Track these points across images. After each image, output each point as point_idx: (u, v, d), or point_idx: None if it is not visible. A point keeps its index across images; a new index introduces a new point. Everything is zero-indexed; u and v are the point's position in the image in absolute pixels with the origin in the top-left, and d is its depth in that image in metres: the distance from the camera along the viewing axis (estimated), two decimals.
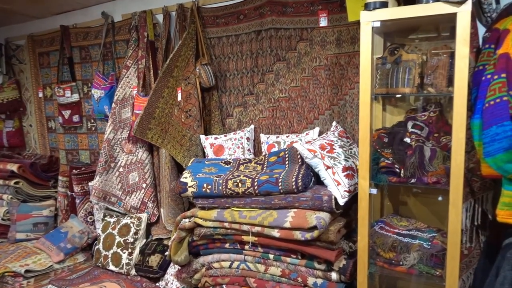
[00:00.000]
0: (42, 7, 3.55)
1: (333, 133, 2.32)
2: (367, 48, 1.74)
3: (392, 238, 1.93)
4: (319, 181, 2.17)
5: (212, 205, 2.29)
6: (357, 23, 1.90)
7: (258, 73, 2.75)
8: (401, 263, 1.85)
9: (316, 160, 2.08)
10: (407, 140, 1.91)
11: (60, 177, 3.59)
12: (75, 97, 3.56)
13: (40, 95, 3.92)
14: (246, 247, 2.18)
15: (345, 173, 2.05)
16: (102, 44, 3.36)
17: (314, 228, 1.88)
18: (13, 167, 3.54)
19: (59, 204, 3.59)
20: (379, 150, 1.96)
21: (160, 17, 3.10)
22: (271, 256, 2.11)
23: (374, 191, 1.85)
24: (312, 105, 2.57)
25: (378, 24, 1.72)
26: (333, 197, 1.96)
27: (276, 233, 2.00)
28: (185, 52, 2.84)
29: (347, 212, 2.17)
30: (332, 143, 2.20)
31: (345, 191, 1.99)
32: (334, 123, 2.45)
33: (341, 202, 1.97)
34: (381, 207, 2.24)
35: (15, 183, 3.49)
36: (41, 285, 2.82)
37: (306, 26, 2.55)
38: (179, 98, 2.82)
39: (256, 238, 2.11)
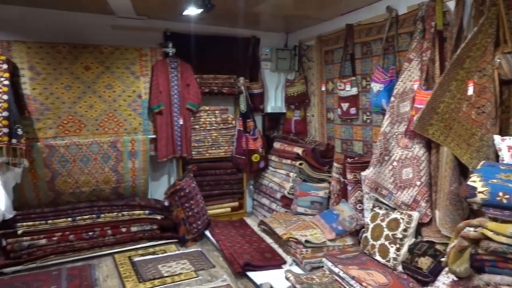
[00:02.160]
0: (331, 9, 3.94)
1: None
2: None
3: None
4: None
5: (508, 219, 1.95)
6: None
7: None
8: None
9: None
10: None
11: (334, 164, 3.95)
12: (354, 90, 3.80)
13: (323, 88, 4.40)
14: None
15: None
16: (384, 39, 3.42)
17: None
18: (299, 150, 4.17)
19: (332, 188, 3.97)
20: None
21: (451, 4, 2.85)
22: None
23: None
24: None
25: None
26: None
27: None
28: (482, 39, 2.51)
29: None
30: None
31: None
32: None
33: None
34: None
35: (300, 164, 4.10)
36: (316, 256, 3.22)
37: None
38: (470, 92, 2.53)
39: None
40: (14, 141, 3.32)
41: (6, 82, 3.34)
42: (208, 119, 4.56)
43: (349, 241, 3.40)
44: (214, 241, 3.88)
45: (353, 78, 3.82)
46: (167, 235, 4.01)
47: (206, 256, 3.66)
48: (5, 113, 3.28)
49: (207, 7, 3.19)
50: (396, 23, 3.34)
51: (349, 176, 3.54)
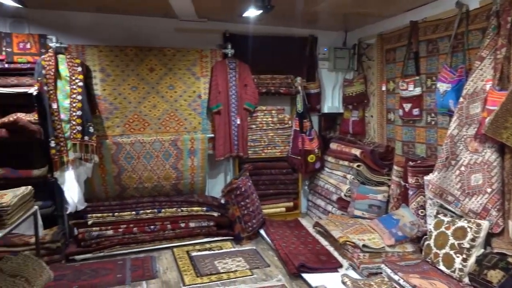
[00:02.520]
0: (394, 6, 3.78)
1: None
2: None
3: None
4: None
5: None
6: None
7: None
8: None
9: None
10: None
11: (395, 167, 3.80)
12: (418, 90, 3.62)
13: (383, 88, 4.24)
14: None
15: None
16: (453, 36, 3.22)
17: None
18: (357, 152, 4.06)
19: (391, 192, 3.82)
20: None
21: None
22: None
23: None
24: None
25: None
26: None
27: None
28: None
29: None
30: None
31: None
32: None
33: None
34: None
35: (357, 166, 4.00)
36: (374, 261, 3.13)
37: None
38: None
39: None
40: (86, 138, 3.60)
41: (81, 84, 3.61)
42: (264, 119, 4.59)
43: (409, 248, 3.26)
44: (269, 241, 3.90)
45: (417, 77, 3.64)
46: (223, 232, 4.10)
47: (261, 255, 3.70)
48: (79, 112, 3.56)
49: (266, 8, 3.21)
50: (466, 19, 3.13)
51: (411, 180, 3.38)
